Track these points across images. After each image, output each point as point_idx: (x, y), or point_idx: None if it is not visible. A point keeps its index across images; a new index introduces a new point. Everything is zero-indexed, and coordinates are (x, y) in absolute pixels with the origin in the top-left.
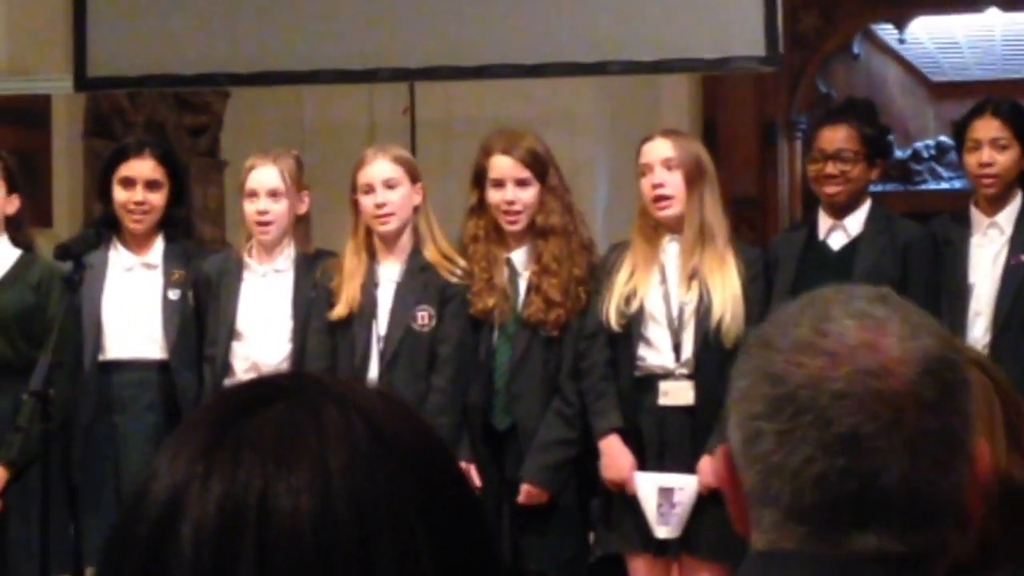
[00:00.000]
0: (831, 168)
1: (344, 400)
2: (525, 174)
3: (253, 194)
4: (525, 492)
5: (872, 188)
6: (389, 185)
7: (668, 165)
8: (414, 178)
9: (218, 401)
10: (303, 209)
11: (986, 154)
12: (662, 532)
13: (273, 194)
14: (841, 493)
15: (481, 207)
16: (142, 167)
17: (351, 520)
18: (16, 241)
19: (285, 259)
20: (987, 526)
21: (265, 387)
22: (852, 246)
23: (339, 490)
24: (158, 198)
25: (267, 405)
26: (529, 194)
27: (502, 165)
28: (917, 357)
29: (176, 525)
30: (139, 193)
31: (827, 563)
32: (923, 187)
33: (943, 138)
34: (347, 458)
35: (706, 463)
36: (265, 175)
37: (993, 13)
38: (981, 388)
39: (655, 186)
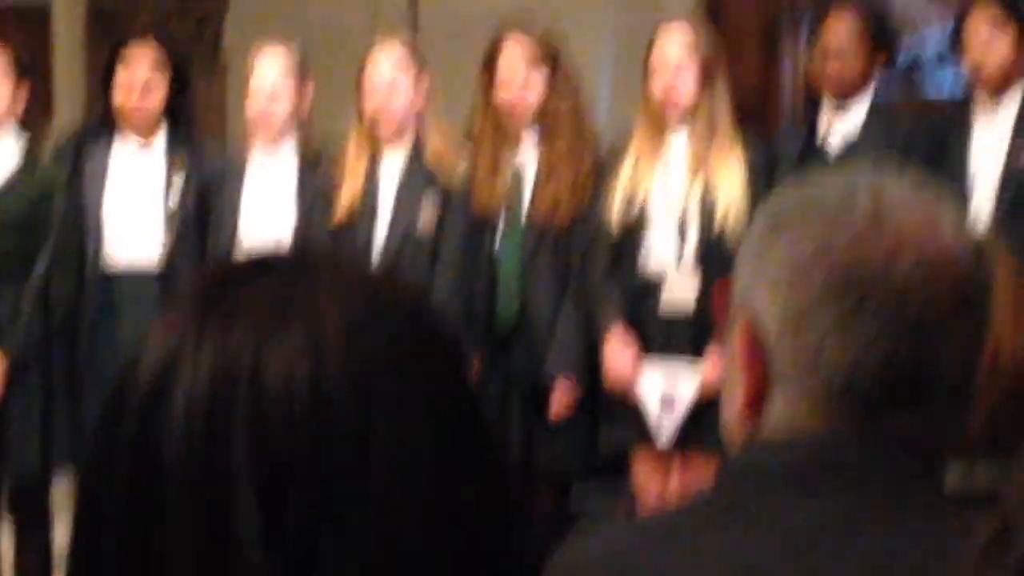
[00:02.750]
0: (833, 62)
1: (341, 271)
2: (536, 60)
3: (255, 91)
4: (562, 388)
5: (877, 96)
6: (392, 85)
7: (683, 59)
8: (420, 68)
9: (212, 272)
10: (307, 99)
11: (984, 38)
12: (663, 438)
13: (275, 89)
14: (898, 375)
15: (488, 102)
16: (143, 50)
17: (345, 387)
18: (24, 127)
19: (287, 156)
20: (996, 410)
21: (260, 258)
22: (853, 145)
23: (333, 357)
24: (159, 83)
25: (261, 275)
26: (538, 83)
27: (514, 52)
28: (969, 245)
29: (168, 393)
30: (140, 74)
31: (867, 446)
32: (925, 97)
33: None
34: (341, 326)
35: (711, 363)
36: (268, 65)
37: None
38: (1007, 274)
39: (669, 78)
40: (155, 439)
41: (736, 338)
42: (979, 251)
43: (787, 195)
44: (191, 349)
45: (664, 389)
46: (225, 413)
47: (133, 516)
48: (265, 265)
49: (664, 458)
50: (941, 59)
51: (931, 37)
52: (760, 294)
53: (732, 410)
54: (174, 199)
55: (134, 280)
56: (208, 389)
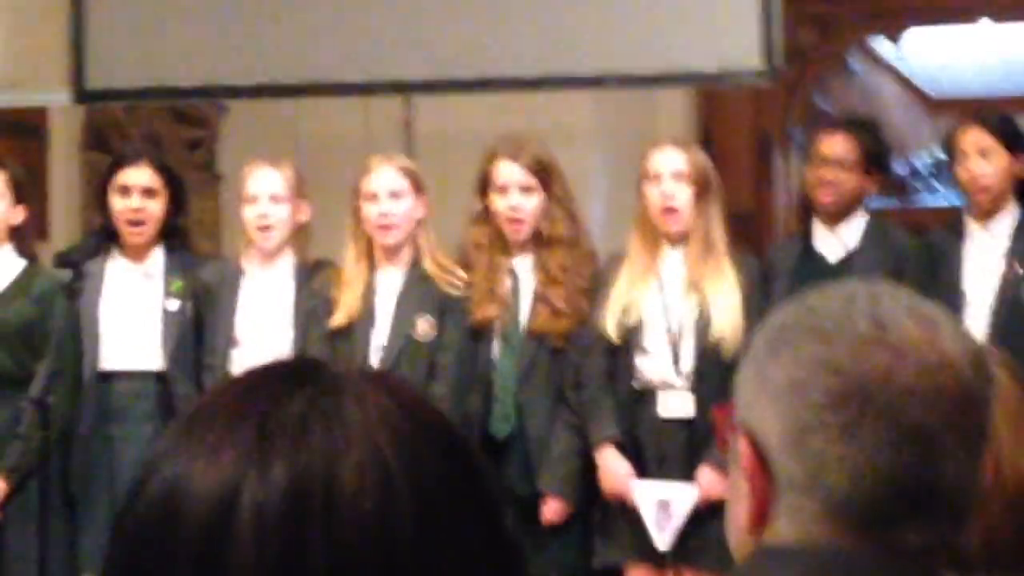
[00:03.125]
0: (828, 173)
1: (372, 384)
2: (530, 181)
3: (254, 199)
4: (552, 508)
5: (870, 205)
6: (394, 195)
7: (679, 177)
8: (418, 189)
9: (244, 387)
10: (303, 218)
11: (973, 163)
12: (661, 542)
13: (274, 198)
14: (902, 487)
15: (485, 215)
16: (139, 175)
17: (409, 496)
18: (21, 252)
19: (284, 267)
20: (996, 525)
21: (289, 371)
22: (848, 259)
23: (395, 467)
24: (155, 206)
25: (299, 388)
26: (534, 201)
27: (507, 171)
28: (969, 355)
29: (233, 516)
30: (136, 201)
31: (871, 558)
32: (921, 205)
33: (941, 155)
34: (392, 437)
35: (705, 474)
36: (267, 179)
37: (987, 24)
38: (1009, 387)
39: (665, 197)
40: (223, 557)
41: (740, 453)
42: (979, 360)
43: (786, 311)
44: (256, 472)
45: (660, 495)
46: (299, 531)
47: None
48: (293, 378)
49: (660, 574)
50: (937, 168)
51: (923, 156)
52: (762, 409)
53: (737, 523)
54: (172, 305)
55: (130, 384)
56: (280, 509)
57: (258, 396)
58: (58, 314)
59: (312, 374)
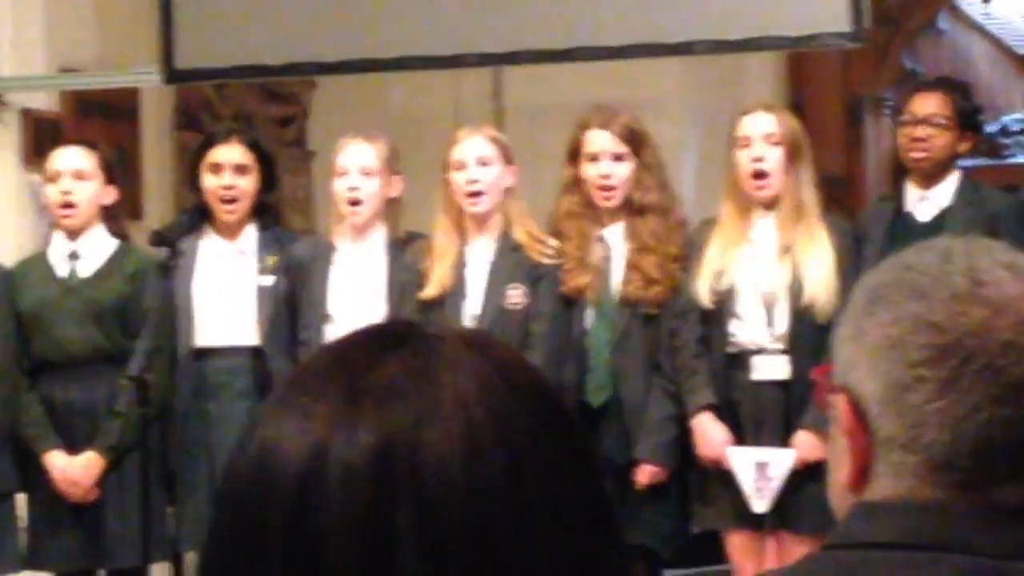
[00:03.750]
0: (921, 131)
1: (470, 346)
2: (622, 149)
3: (344, 172)
4: (647, 472)
5: (961, 164)
6: (482, 163)
7: (769, 140)
8: (507, 159)
9: (339, 351)
10: (395, 193)
11: None
12: (759, 506)
13: (365, 172)
14: (1003, 442)
15: (575, 184)
16: (230, 153)
17: (501, 465)
18: (113, 232)
19: (376, 241)
20: None
21: (384, 335)
22: (940, 218)
23: (486, 434)
24: (247, 183)
25: (393, 351)
26: (624, 169)
27: (598, 139)
28: None
29: (322, 476)
30: (227, 178)
31: (971, 515)
32: (1012, 161)
33: None
34: (487, 403)
35: (802, 437)
36: (358, 152)
37: None
38: None
39: (755, 160)
40: (312, 516)
41: (839, 412)
42: None
43: (882, 271)
44: (345, 431)
45: (757, 459)
46: (387, 493)
47: None
48: (392, 340)
49: (759, 539)
50: None
51: (1014, 114)
52: (861, 368)
53: (838, 483)
54: (266, 281)
55: (226, 361)
56: (368, 470)
57: (350, 359)
58: (152, 292)
59: (407, 337)
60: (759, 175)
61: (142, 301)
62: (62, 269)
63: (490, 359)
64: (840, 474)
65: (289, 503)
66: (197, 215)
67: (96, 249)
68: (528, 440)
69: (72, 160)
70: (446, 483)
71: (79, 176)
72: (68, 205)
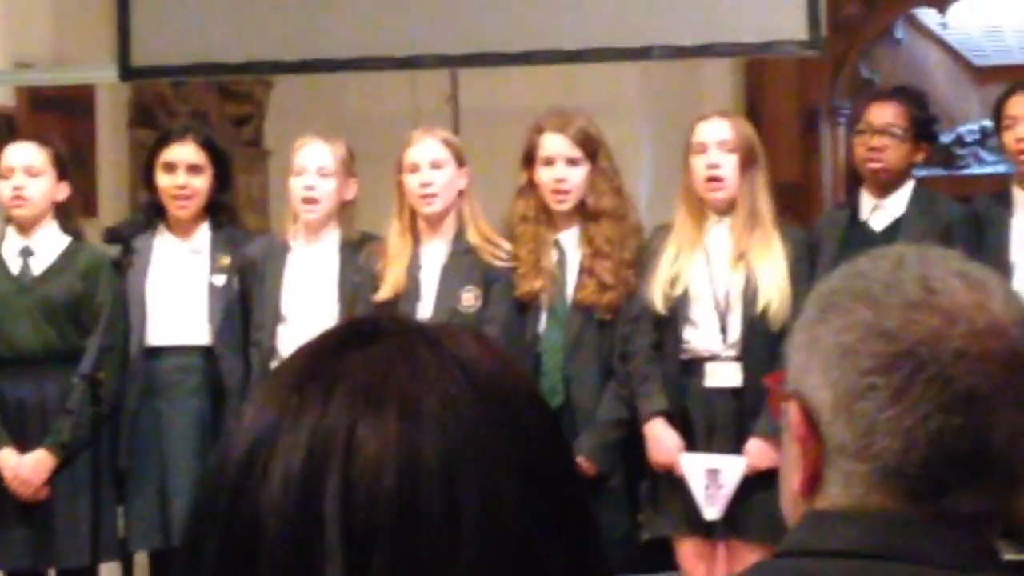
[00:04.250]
0: (877, 141)
1: (439, 343)
2: (576, 153)
3: (301, 171)
4: (583, 469)
5: (916, 173)
6: (435, 165)
7: (724, 147)
8: (460, 161)
9: (315, 340)
10: (350, 196)
11: (1021, 130)
12: (710, 513)
13: (322, 172)
14: (953, 452)
15: (530, 187)
16: (184, 151)
17: (437, 465)
18: (65, 229)
19: (329, 242)
20: None
21: (362, 327)
22: (895, 226)
23: (428, 433)
24: (201, 182)
25: (364, 344)
26: (579, 174)
27: (553, 143)
28: (1019, 318)
29: (266, 462)
30: (181, 177)
31: (921, 524)
32: (967, 171)
33: (986, 122)
34: (439, 401)
35: (754, 445)
36: (315, 152)
37: None
38: None
39: (710, 166)
40: (250, 508)
41: (791, 419)
42: None
43: (836, 278)
44: (290, 416)
45: (709, 466)
46: (318, 482)
47: None
48: (367, 332)
49: (710, 546)
50: (984, 137)
51: (969, 125)
52: (813, 375)
53: (790, 490)
54: (219, 281)
55: (177, 360)
56: (304, 456)
57: (315, 354)
58: (105, 289)
59: (389, 328)
60: (713, 180)
61: (95, 299)
62: (15, 266)
63: (458, 357)
64: (792, 482)
65: (231, 486)
66: (151, 213)
67: (49, 246)
68: (476, 447)
69: (24, 156)
70: (375, 474)
71: (30, 172)
72: (19, 198)
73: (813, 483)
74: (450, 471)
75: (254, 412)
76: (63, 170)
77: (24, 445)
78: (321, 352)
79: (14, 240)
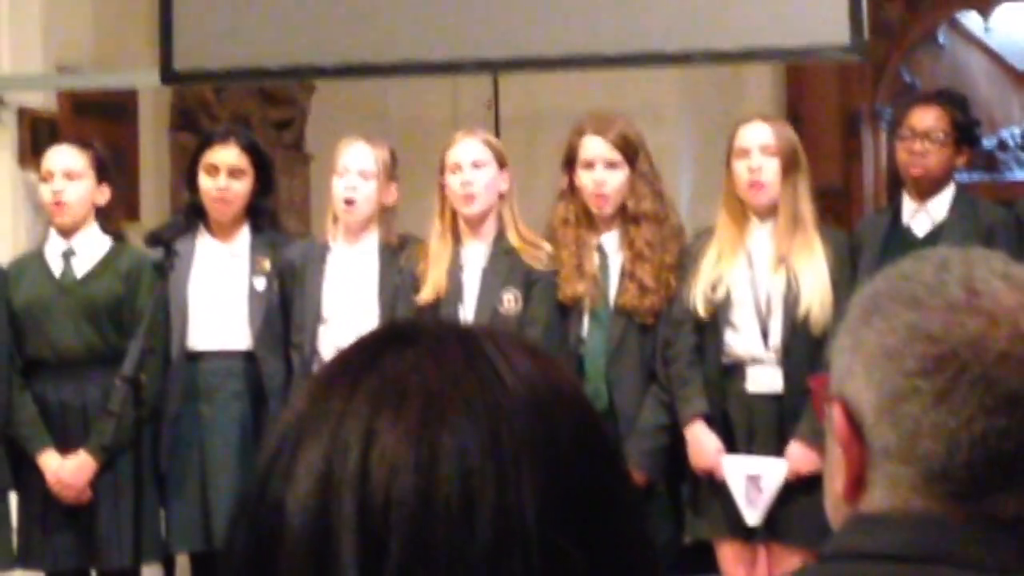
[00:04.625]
0: (919, 146)
1: (474, 342)
2: (616, 156)
3: (343, 171)
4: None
5: (958, 178)
6: (477, 165)
7: (766, 151)
8: (502, 163)
9: (354, 343)
10: (390, 200)
11: None
12: (751, 517)
13: (363, 174)
14: (997, 454)
15: (571, 191)
16: (226, 154)
17: (456, 461)
18: (107, 231)
19: (369, 244)
20: None
21: (401, 329)
22: (937, 231)
23: (448, 430)
24: (241, 186)
25: (400, 347)
26: (619, 177)
27: (593, 146)
28: None
29: (293, 451)
30: (222, 180)
31: (966, 527)
32: (1009, 176)
33: None
34: (463, 400)
35: (795, 449)
36: (358, 154)
37: None
38: None
39: (752, 170)
40: (276, 500)
41: (835, 422)
42: None
43: (880, 279)
44: (316, 413)
45: (750, 470)
46: (336, 475)
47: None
48: (405, 337)
49: (750, 549)
50: None
51: (1012, 129)
52: (856, 378)
53: (834, 493)
54: (259, 284)
55: (219, 363)
56: (324, 452)
57: (350, 359)
58: (146, 292)
59: (427, 332)
60: (755, 184)
61: (136, 301)
62: (57, 268)
63: (486, 356)
64: (835, 484)
65: (261, 478)
66: (192, 215)
67: (90, 248)
68: (499, 440)
69: (64, 159)
70: (391, 466)
71: (70, 175)
72: (59, 203)
73: (856, 486)
74: (468, 467)
75: (287, 409)
76: (104, 173)
77: (66, 448)
78: (358, 353)
79: (56, 242)
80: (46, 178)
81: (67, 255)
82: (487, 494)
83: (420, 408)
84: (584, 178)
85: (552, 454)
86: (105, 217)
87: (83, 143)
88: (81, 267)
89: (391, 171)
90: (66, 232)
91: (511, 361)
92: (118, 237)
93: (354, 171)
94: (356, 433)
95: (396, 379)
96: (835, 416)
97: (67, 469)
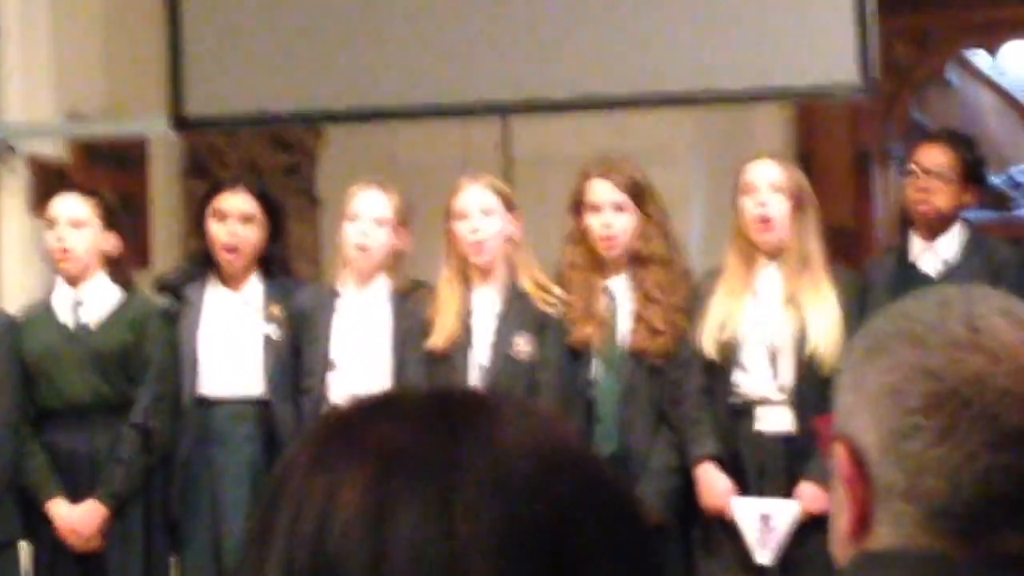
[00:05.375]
0: (925, 183)
1: (468, 414)
2: (622, 199)
3: (355, 217)
4: None
5: (967, 215)
6: (485, 212)
7: (774, 188)
8: (509, 206)
9: (344, 409)
10: (402, 245)
11: None
12: (763, 557)
13: (376, 221)
14: (1000, 491)
15: (580, 234)
16: (236, 201)
17: (407, 527)
18: (115, 279)
19: (379, 290)
20: None
21: (397, 399)
22: (947, 272)
23: (392, 534)
24: (252, 232)
25: (381, 418)
26: (626, 220)
27: (600, 190)
28: None
29: (278, 514)
30: (232, 226)
31: (971, 564)
32: (1019, 214)
33: None
34: (425, 469)
35: (806, 489)
36: (371, 200)
37: None
38: None
39: (759, 205)
40: (264, 548)
41: (839, 461)
42: None
43: (881, 319)
44: (296, 481)
45: (761, 511)
46: (293, 542)
47: None
48: (408, 411)
49: None
50: None
51: (1022, 168)
52: (859, 417)
53: (840, 532)
54: (272, 332)
55: (231, 409)
56: (291, 521)
57: (348, 415)
58: (156, 339)
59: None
60: (764, 220)
61: (145, 349)
62: (66, 317)
63: (483, 443)
64: (841, 523)
65: (252, 531)
66: (201, 262)
67: (99, 297)
68: (454, 510)
69: (68, 207)
70: (343, 529)
71: (75, 223)
72: (64, 251)
73: (861, 524)
74: (421, 533)
75: (275, 468)
76: (111, 220)
77: (77, 496)
78: (350, 417)
79: (64, 291)
80: (51, 226)
81: (76, 304)
82: (437, 560)
83: (375, 469)
84: (591, 221)
85: (541, 525)
86: (114, 265)
87: (89, 191)
88: (90, 316)
89: (404, 217)
90: (73, 280)
91: (495, 434)
92: (126, 286)
93: (367, 217)
94: (316, 493)
95: (362, 438)
96: (839, 455)
97: (77, 516)
